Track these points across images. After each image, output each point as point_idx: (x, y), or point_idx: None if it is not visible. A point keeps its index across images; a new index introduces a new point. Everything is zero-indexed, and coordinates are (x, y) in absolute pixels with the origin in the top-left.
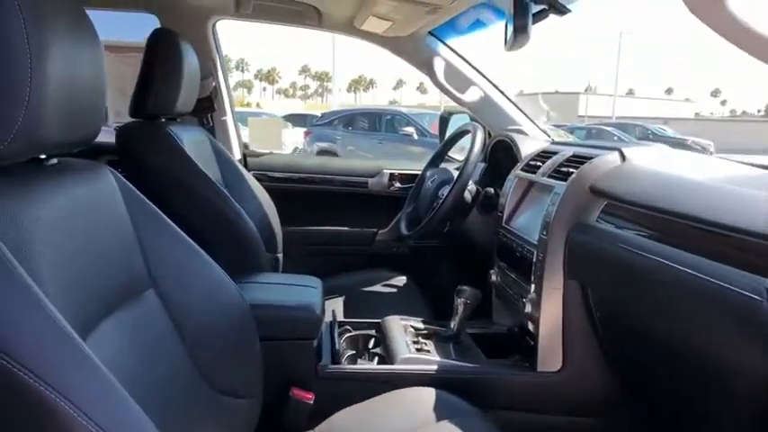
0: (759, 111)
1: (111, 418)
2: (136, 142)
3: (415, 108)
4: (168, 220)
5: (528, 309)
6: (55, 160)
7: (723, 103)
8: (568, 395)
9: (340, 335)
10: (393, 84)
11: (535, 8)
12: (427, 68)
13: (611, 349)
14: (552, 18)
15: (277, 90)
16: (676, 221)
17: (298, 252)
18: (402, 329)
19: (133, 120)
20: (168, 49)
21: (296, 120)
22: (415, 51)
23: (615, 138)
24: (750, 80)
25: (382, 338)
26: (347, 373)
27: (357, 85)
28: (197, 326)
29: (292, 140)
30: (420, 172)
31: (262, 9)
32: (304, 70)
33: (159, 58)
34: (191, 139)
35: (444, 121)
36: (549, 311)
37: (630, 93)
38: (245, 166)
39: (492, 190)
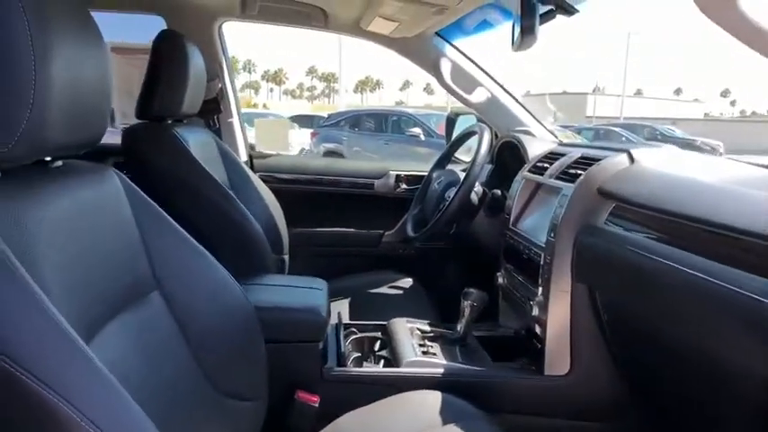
0: None
1: (111, 420)
2: (142, 144)
3: (422, 109)
4: (173, 222)
5: (535, 312)
6: (60, 163)
7: (733, 103)
8: (576, 399)
9: (345, 337)
10: (400, 85)
11: (542, 8)
12: (434, 69)
13: (620, 352)
14: (560, 18)
15: (284, 91)
16: (685, 224)
17: (304, 253)
18: (408, 332)
19: (139, 121)
20: (174, 51)
21: (303, 121)
22: (422, 52)
23: (623, 138)
24: (760, 80)
25: (388, 341)
26: (353, 375)
27: (364, 85)
28: (202, 328)
29: (299, 141)
30: (426, 173)
31: (268, 10)
32: (311, 71)
33: (165, 59)
34: (197, 141)
35: (451, 121)
36: (557, 314)
37: (639, 93)
38: (252, 167)
39: (499, 192)
